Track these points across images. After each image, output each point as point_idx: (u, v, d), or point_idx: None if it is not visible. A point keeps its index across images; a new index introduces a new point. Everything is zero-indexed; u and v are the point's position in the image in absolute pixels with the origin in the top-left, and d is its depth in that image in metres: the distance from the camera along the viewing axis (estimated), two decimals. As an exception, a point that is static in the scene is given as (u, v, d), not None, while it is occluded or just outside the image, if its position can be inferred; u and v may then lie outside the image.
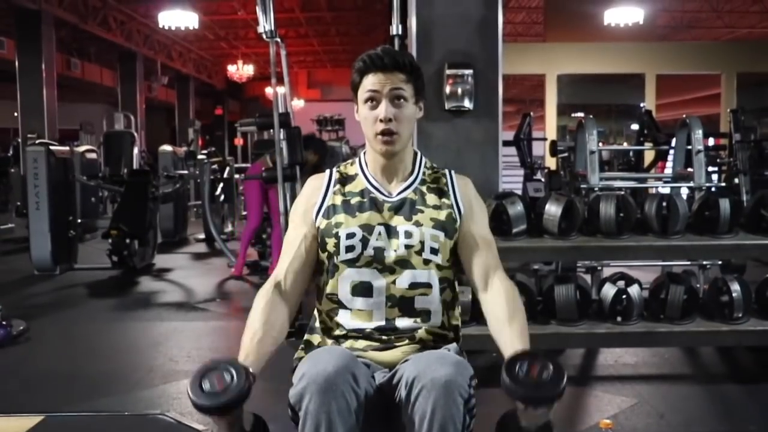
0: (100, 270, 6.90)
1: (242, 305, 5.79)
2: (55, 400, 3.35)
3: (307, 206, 1.80)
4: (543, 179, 8.90)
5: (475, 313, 3.28)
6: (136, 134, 11.94)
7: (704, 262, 4.33)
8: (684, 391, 3.50)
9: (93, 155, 9.81)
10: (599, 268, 4.32)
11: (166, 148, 10.05)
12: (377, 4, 14.80)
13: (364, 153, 1.85)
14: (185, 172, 9.56)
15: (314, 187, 1.82)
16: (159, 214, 8.30)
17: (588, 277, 4.24)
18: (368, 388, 1.57)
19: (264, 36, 4.42)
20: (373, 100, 1.72)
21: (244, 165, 12.07)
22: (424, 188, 1.78)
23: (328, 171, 1.85)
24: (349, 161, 1.88)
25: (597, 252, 3.54)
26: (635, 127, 18.89)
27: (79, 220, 7.66)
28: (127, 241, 6.82)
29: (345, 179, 1.81)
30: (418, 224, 1.72)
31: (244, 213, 7.95)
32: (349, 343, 1.72)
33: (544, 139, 10.73)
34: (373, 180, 1.78)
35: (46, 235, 6.68)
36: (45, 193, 6.65)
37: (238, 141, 21.04)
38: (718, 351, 4.00)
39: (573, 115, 19.08)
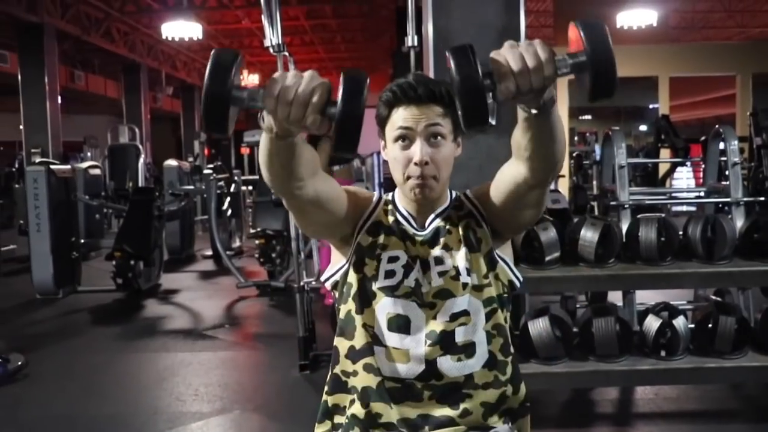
0: (104, 292, 6.64)
1: (252, 332, 5.53)
2: (51, 451, 3.11)
3: (359, 194, 1.55)
4: (559, 189, 8.64)
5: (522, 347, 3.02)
6: (141, 147, 11.74)
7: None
8: (734, 430, 3.22)
9: (96, 171, 9.60)
10: (632, 291, 4.05)
11: (172, 163, 9.80)
12: (383, 11, 14.56)
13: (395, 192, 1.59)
14: (191, 187, 9.32)
15: (366, 192, 1.59)
16: (165, 231, 8.07)
17: (619, 300, 3.98)
18: None
19: (271, 50, 4.15)
20: (405, 138, 1.44)
21: (251, 177, 11.84)
22: (451, 211, 1.54)
23: (375, 192, 1.62)
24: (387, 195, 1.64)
25: (637, 280, 3.25)
26: (643, 128, 18.72)
27: (83, 240, 7.44)
28: (132, 262, 6.57)
29: (389, 203, 1.57)
30: (447, 248, 1.49)
31: (252, 230, 7.64)
32: (384, 406, 1.47)
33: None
34: (404, 211, 1.54)
35: (48, 257, 6.44)
36: (46, 214, 6.42)
37: (245, 150, 20.85)
38: (766, 385, 3.71)
39: (581, 117, 18.86)
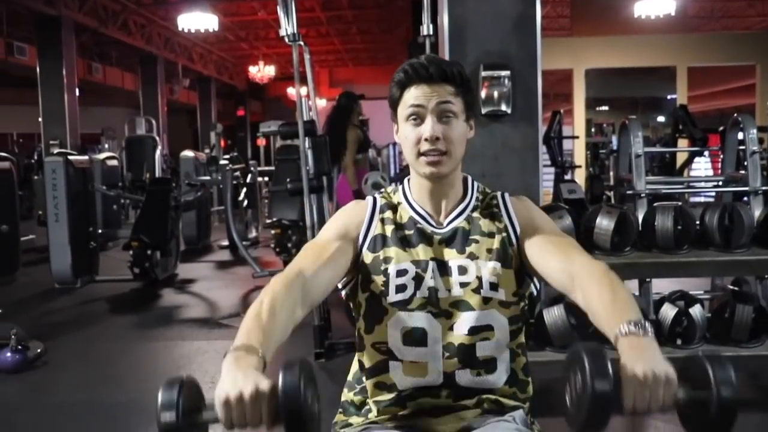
0: (122, 282, 6.70)
1: (268, 321, 5.55)
2: (70, 437, 3.15)
3: (349, 223, 1.50)
4: (575, 180, 8.60)
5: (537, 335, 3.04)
6: (158, 138, 11.81)
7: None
8: (753, 420, 3.19)
9: (114, 162, 9.66)
10: (648, 279, 4.03)
11: (188, 153, 9.85)
12: (399, 1, 14.52)
13: (408, 180, 1.57)
14: (207, 178, 9.36)
15: (357, 210, 1.53)
16: (181, 222, 8.11)
17: (635, 290, 3.96)
18: None
19: (286, 39, 4.17)
20: (417, 116, 1.44)
21: (267, 168, 11.88)
22: (476, 214, 1.50)
23: (369, 198, 1.56)
24: (391, 188, 1.60)
25: (654, 269, 3.24)
26: (661, 119, 18.54)
27: (100, 230, 7.49)
28: (149, 252, 6.61)
29: (392, 206, 1.53)
30: (473, 257, 1.44)
31: (269, 220, 7.64)
32: (399, 408, 1.45)
33: (576, 137, 10.40)
34: (419, 208, 1.50)
35: (66, 247, 6.51)
36: (64, 205, 6.47)
37: (261, 142, 20.90)
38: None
39: (598, 108, 18.71)
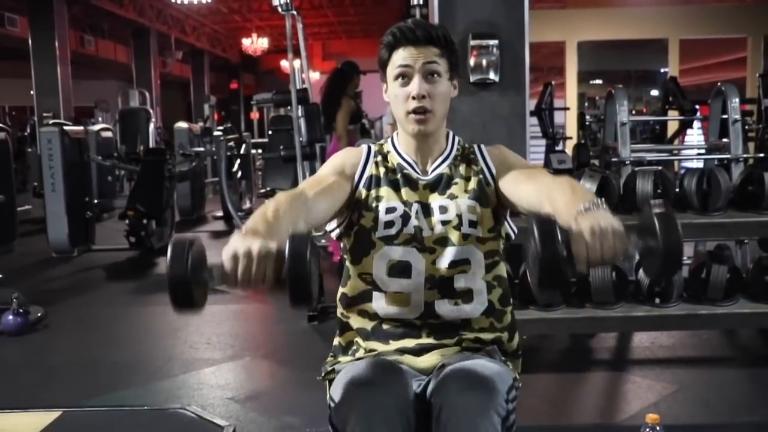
0: (118, 251, 6.80)
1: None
2: (73, 393, 3.27)
3: (346, 163, 1.63)
4: (566, 150, 8.68)
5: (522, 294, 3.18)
6: (151, 111, 11.83)
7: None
8: (727, 375, 3.34)
9: (108, 134, 9.70)
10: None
11: (182, 125, 9.91)
12: (392, -27, 14.50)
13: (396, 134, 1.70)
14: (201, 149, 9.42)
15: (353, 153, 1.67)
16: (176, 192, 8.19)
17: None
18: (416, 405, 1.44)
19: (279, 9, 4.24)
20: (405, 76, 1.57)
21: (261, 140, 11.93)
22: (456, 161, 1.64)
23: (364, 146, 1.70)
24: (381, 141, 1.74)
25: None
26: (655, 92, 18.57)
27: (96, 201, 7.57)
28: (144, 221, 6.70)
29: (382, 153, 1.66)
30: (452, 197, 1.58)
31: (262, 190, 7.72)
32: (382, 345, 1.57)
33: (567, 109, 10.48)
34: (406, 156, 1.64)
35: (63, 217, 6.60)
36: (60, 175, 6.55)
37: (254, 115, 20.90)
38: (759, 332, 3.82)
39: (591, 82, 18.72)
